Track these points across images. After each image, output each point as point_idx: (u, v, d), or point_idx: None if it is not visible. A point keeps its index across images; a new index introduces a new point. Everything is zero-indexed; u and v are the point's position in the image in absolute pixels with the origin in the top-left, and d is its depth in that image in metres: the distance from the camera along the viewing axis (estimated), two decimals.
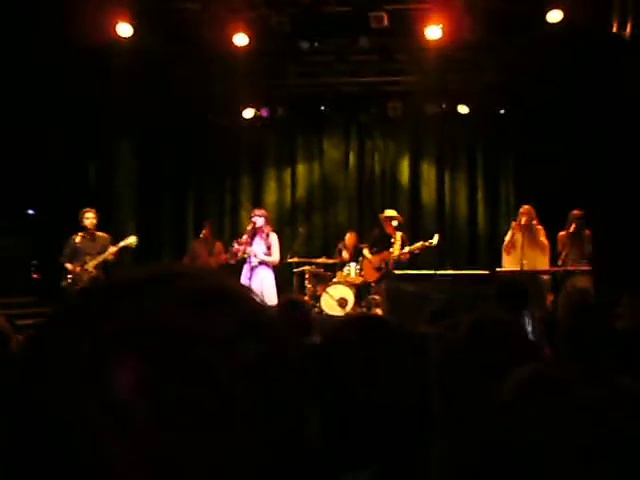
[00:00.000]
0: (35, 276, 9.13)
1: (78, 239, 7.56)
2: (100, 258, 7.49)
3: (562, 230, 8.02)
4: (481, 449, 1.22)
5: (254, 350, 0.59)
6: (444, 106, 10.16)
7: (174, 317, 0.56)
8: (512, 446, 0.92)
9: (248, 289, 0.68)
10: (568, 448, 0.83)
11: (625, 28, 7.22)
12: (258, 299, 0.65)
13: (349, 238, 9.64)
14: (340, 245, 9.71)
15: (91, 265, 7.44)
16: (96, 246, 7.57)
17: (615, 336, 2.83)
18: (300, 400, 0.62)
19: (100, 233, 7.69)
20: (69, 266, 7.48)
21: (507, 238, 8.18)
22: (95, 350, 0.54)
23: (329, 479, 1.31)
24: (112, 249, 7.55)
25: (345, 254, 9.50)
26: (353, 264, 9.28)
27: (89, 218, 7.55)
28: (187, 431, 0.55)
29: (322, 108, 10.41)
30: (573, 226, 7.91)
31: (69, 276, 7.46)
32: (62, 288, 7.46)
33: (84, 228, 7.56)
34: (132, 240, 7.71)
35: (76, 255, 7.54)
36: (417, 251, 8.55)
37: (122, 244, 7.66)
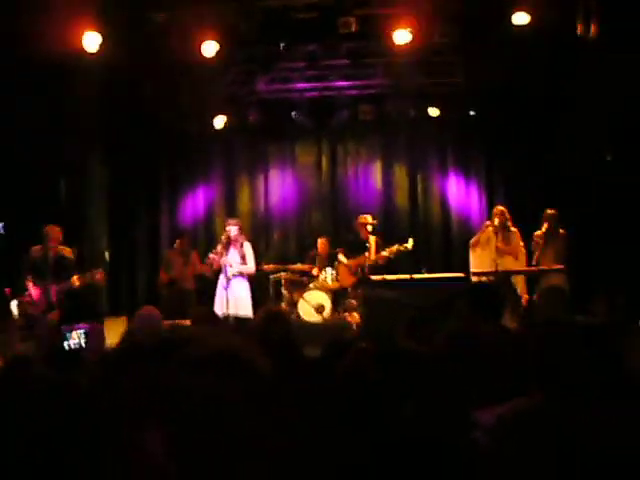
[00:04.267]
0: (7, 292, 8.96)
1: (37, 254, 7.38)
2: (62, 285, 7.31)
3: (536, 229, 8.11)
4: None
5: (256, 409, 0.62)
6: (414, 109, 10.20)
7: (192, 384, 0.59)
8: None
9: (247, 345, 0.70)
10: None
11: (589, 30, 7.33)
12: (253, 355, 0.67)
13: (321, 244, 9.62)
14: (312, 253, 9.69)
15: (53, 292, 7.27)
16: (57, 265, 7.36)
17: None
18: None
19: (64, 249, 7.48)
20: (30, 286, 7.30)
21: (475, 236, 8.27)
22: (129, 417, 0.57)
23: None
24: (76, 279, 7.31)
25: (318, 262, 9.47)
26: (329, 269, 9.28)
27: (52, 239, 7.36)
28: None
29: (293, 114, 10.38)
30: (546, 225, 7.99)
31: (27, 293, 7.29)
32: (18, 303, 7.28)
33: (46, 246, 7.39)
34: (99, 276, 7.49)
35: (36, 270, 7.35)
36: (392, 255, 8.58)
37: (88, 278, 7.45)
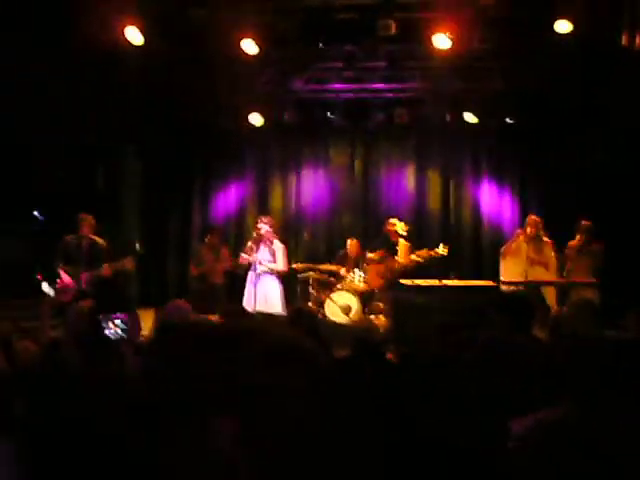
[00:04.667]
0: (39, 277, 9.11)
1: (71, 242, 7.51)
2: (94, 273, 7.41)
3: (570, 240, 8.00)
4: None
5: (320, 398, 0.64)
6: (450, 114, 10.13)
7: (258, 375, 0.61)
8: None
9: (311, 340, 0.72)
10: None
11: (634, 40, 7.23)
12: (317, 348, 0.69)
13: (351, 246, 9.56)
14: (342, 253, 9.65)
15: (84, 279, 7.37)
16: (89, 253, 7.49)
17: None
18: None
19: (97, 239, 7.60)
20: (62, 274, 7.41)
21: (507, 245, 8.21)
22: (200, 405, 0.59)
23: None
24: (106, 267, 7.42)
25: (347, 263, 9.43)
26: (357, 271, 9.25)
27: (86, 227, 7.50)
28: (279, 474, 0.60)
29: (328, 114, 10.38)
30: (580, 237, 7.89)
31: (58, 280, 7.40)
32: (53, 294, 7.37)
33: (80, 234, 7.52)
34: (129, 265, 7.56)
35: (69, 258, 7.48)
36: (424, 260, 8.51)
37: (119, 266, 7.54)
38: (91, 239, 7.54)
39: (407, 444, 1.33)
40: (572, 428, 1.87)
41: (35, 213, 9.76)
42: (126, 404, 1.30)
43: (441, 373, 1.62)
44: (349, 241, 9.61)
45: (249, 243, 8.38)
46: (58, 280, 7.42)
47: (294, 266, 9.29)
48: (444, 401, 1.49)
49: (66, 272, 7.43)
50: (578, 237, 7.92)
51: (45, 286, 7.34)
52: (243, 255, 8.42)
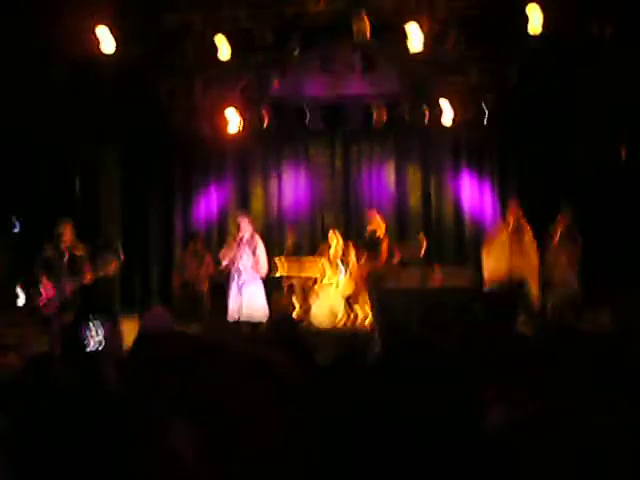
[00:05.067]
0: (20, 288, 9.00)
1: (51, 252, 7.39)
2: (76, 282, 7.30)
3: (550, 230, 8.05)
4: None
5: (288, 409, 0.65)
6: (428, 112, 10.13)
7: (224, 387, 0.61)
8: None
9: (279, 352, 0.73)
10: None
11: (604, 31, 7.32)
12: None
13: (332, 237, 9.38)
14: (325, 247, 9.50)
15: (68, 289, 7.27)
16: (71, 263, 7.38)
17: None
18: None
19: (77, 248, 7.46)
20: (44, 282, 7.28)
21: (489, 241, 8.24)
22: (163, 417, 0.59)
23: None
24: (88, 275, 7.31)
25: (330, 257, 9.32)
26: (342, 274, 9.12)
27: (66, 236, 7.36)
28: None
29: (307, 116, 10.35)
30: (561, 227, 7.95)
31: (41, 291, 7.30)
32: (34, 306, 7.28)
33: (59, 241, 7.41)
34: (111, 268, 7.46)
35: (51, 268, 7.36)
36: (405, 259, 8.51)
37: (101, 273, 7.43)
38: (72, 249, 7.45)
39: (387, 444, 1.33)
40: (551, 423, 1.88)
41: (14, 220, 9.65)
42: (103, 417, 1.29)
43: (424, 368, 1.64)
44: (330, 232, 9.41)
45: (228, 243, 8.29)
46: (41, 291, 7.33)
47: (278, 272, 9.21)
48: (426, 394, 1.50)
49: (48, 283, 7.33)
50: (559, 227, 7.97)
51: (24, 297, 7.23)
52: (222, 252, 8.33)
